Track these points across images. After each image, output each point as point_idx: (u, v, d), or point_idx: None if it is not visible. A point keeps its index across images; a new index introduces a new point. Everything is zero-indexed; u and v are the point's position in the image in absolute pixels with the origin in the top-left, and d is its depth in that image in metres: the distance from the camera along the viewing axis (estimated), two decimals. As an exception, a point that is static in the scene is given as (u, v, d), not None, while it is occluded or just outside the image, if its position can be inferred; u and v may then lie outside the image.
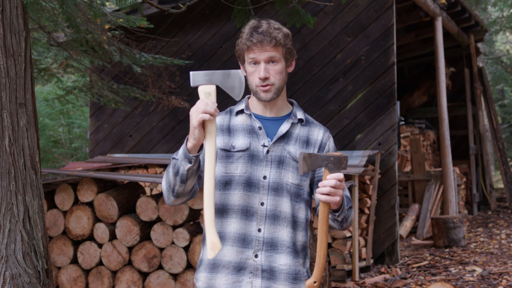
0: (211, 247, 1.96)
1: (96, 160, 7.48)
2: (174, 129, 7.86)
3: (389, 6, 7.03)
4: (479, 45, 12.72)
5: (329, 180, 2.00)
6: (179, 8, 5.10)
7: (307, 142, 2.23)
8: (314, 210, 4.98)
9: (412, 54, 11.81)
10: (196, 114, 1.97)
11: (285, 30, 2.20)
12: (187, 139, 2.03)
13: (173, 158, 2.10)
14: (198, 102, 2.00)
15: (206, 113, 1.97)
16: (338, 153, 2.01)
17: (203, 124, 1.99)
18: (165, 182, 2.15)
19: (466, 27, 10.76)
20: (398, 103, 7.25)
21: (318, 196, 2.00)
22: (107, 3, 6.48)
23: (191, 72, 2.00)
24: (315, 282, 2.04)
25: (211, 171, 1.97)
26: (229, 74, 1.99)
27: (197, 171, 2.10)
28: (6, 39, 3.47)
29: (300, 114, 2.25)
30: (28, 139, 3.56)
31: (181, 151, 2.06)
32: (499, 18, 11.99)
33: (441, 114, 8.83)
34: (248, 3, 4.64)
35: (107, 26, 5.14)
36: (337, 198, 2.01)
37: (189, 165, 2.04)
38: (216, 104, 1.99)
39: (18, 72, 3.52)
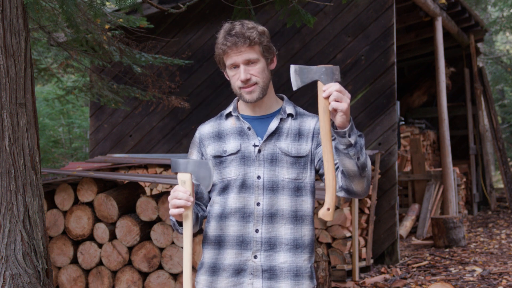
0: None
1: (96, 160, 7.48)
2: (174, 129, 7.86)
3: (389, 6, 7.03)
4: (479, 45, 12.71)
5: (331, 85, 1.92)
6: (179, 8, 5.10)
7: (299, 134, 2.20)
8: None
9: (412, 54, 11.80)
10: (169, 205, 2.06)
11: (260, 28, 2.18)
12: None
13: (170, 219, 2.20)
14: (174, 191, 2.05)
15: (177, 207, 2.04)
16: (330, 65, 1.96)
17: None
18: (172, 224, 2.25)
19: (466, 27, 10.76)
20: (398, 103, 7.25)
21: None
22: (107, 3, 6.48)
23: (172, 159, 2.09)
24: (328, 209, 1.94)
25: (188, 255, 2.07)
26: (200, 164, 2.08)
27: (196, 223, 2.19)
28: (6, 39, 3.47)
29: (289, 109, 2.23)
30: (28, 139, 3.56)
31: (173, 218, 2.16)
32: (499, 18, 11.99)
33: (441, 114, 8.83)
34: (248, 3, 4.65)
35: (107, 26, 5.14)
36: (345, 105, 1.89)
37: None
38: (188, 193, 2.03)
39: (18, 72, 3.52)
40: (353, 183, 2.06)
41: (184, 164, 2.07)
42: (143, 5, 7.03)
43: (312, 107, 7.23)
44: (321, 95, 1.93)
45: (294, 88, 1.97)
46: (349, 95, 1.92)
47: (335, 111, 1.90)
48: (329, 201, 1.93)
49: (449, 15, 9.73)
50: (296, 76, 1.97)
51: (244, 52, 2.12)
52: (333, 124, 1.97)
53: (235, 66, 2.15)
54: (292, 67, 1.97)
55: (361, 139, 2.01)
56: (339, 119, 1.91)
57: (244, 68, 2.13)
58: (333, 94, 1.89)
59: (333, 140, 2.06)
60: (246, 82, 2.13)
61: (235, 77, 2.15)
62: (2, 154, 3.47)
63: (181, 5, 4.93)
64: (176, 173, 2.11)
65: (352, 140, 1.95)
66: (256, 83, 2.14)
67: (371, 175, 2.13)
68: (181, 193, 2.02)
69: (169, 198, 2.06)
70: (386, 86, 6.96)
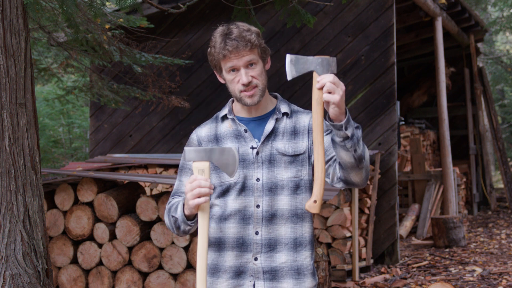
0: None
1: (96, 160, 7.48)
2: (174, 129, 7.86)
3: (389, 6, 7.03)
4: (479, 45, 12.72)
5: (325, 76, 1.89)
6: (179, 8, 5.10)
7: (294, 132, 2.19)
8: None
9: (412, 54, 11.80)
10: (191, 195, 1.96)
11: (254, 29, 2.16)
12: (184, 205, 2.07)
13: (172, 216, 2.13)
14: (192, 181, 1.96)
15: (201, 196, 1.95)
16: (326, 56, 1.94)
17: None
18: (168, 223, 2.18)
19: (466, 27, 10.76)
20: (398, 103, 7.25)
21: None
22: (107, 3, 6.48)
23: (185, 148, 1.99)
24: (315, 201, 1.93)
25: (204, 244, 1.97)
26: (223, 151, 1.98)
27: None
28: (6, 39, 3.47)
29: (284, 108, 2.22)
30: (28, 139, 3.56)
31: (179, 213, 2.08)
32: (499, 18, 11.99)
33: (441, 114, 8.83)
34: (248, 3, 4.64)
35: (107, 26, 5.14)
36: (337, 97, 1.87)
37: (189, 227, 2.10)
38: (209, 181, 1.96)
39: (18, 72, 3.51)
40: (350, 174, 2.03)
41: (202, 152, 1.97)
42: (143, 5, 7.03)
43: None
44: (315, 86, 1.92)
45: (289, 77, 1.95)
46: (343, 87, 1.90)
47: (327, 103, 1.89)
48: (316, 193, 1.92)
49: (449, 15, 9.73)
50: (292, 66, 1.94)
51: (245, 56, 2.10)
52: (329, 117, 1.95)
53: (234, 69, 2.12)
54: (288, 57, 1.94)
55: (358, 130, 1.98)
56: (332, 111, 1.90)
57: (245, 71, 2.11)
58: (326, 85, 1.88)
59: (329, 133, 2.07)
60: (248, 85, 2.12)
61: (235, 80, 2.13)
62: (2, 154, 3.47)
63: (181, 5, 4.93)
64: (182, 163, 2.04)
65: (348, 133, 1.93)
66: (256, 86, 2.13)
67: (369, 165, 2.10)
68: (203, 181, 1.94)
69: (189, 187, 1.96)
70: (386, 86, 6.96)
